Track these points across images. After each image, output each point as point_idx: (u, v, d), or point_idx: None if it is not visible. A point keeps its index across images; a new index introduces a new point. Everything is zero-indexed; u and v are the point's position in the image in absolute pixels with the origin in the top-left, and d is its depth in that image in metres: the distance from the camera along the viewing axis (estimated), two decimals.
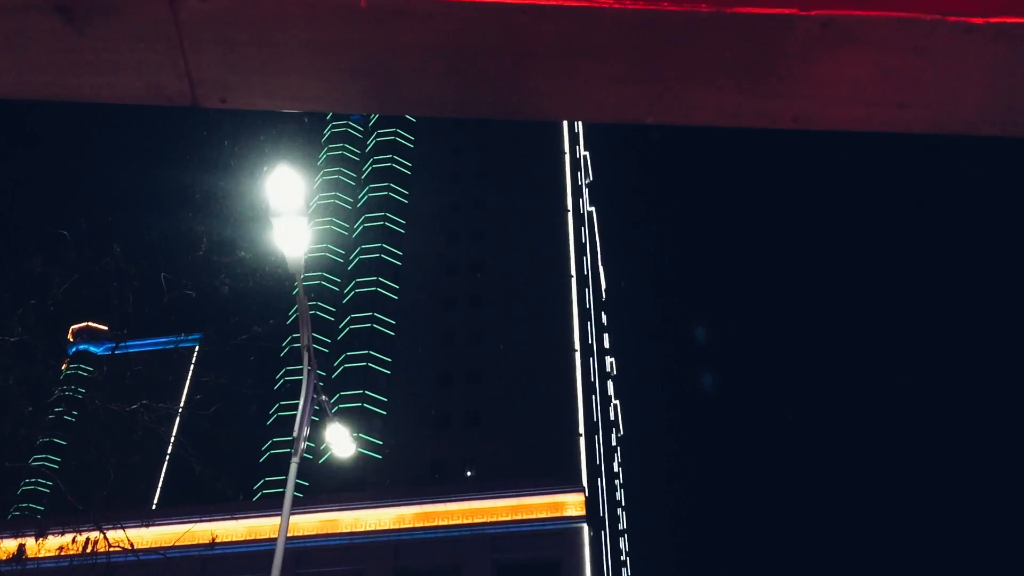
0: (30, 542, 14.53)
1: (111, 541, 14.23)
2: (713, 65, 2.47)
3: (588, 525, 45.84)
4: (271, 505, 48.04)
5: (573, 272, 64.14)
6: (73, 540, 14.40)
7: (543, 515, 45.60)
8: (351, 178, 73.27)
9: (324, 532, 46.59)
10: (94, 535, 14.34)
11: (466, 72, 2.52)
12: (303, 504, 46.73)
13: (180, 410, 15.98)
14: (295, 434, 12.52)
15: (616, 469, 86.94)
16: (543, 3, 2.32)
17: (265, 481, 57.47)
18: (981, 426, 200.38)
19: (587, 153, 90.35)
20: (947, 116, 2.61)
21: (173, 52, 2.42)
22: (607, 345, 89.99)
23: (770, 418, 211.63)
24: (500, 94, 2.59)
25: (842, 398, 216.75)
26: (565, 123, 75.20)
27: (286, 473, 12.72)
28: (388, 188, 69.97)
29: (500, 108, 2.65)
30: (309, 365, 13.07)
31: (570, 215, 68.10)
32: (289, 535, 12.54)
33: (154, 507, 62.89)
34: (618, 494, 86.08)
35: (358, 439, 52.09)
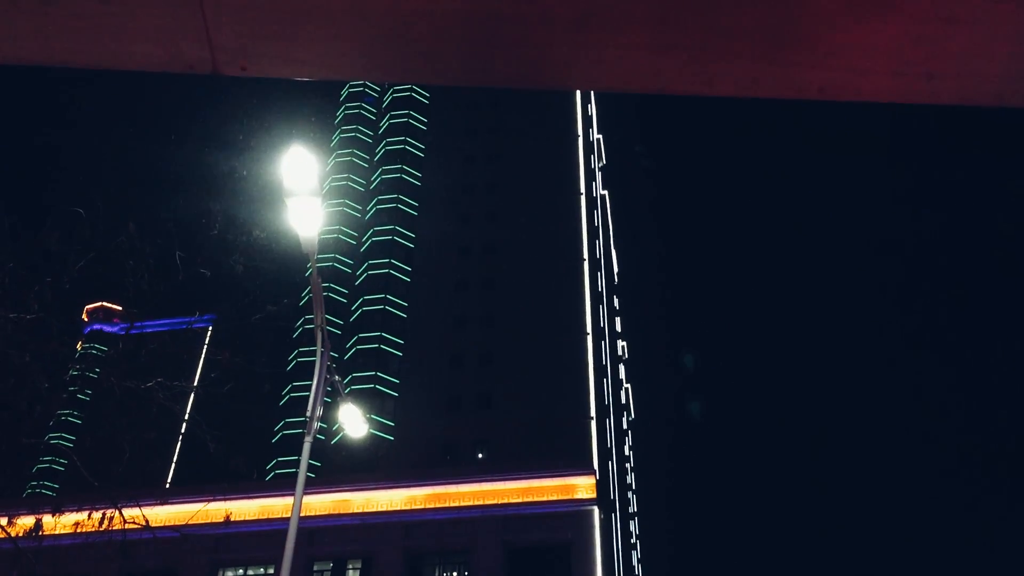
0: (47, 518, 14.66)
1: (127, 518, 14.34)
2: (738, 33, 2.42)
3: (598, 508, 45.90)
4: (284, 485, 48.30)
5: (585, 255, 63.99)
6: (89, 516, 14.52)
7: (554, 497, 45.68)
8: (364, 160, 73.18)
9: (336, 512, 46.83)
10: (110, 512, 14.45)
11: (487, 40, 2.49)
12: (315, 484, 46.98)
13: (195, 388, 16.04)
14: (308, 414, 12.53)
15: (627, 452, 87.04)
16: None
17: (278, 461, 57.83)
18: (986, 448, 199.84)
19: (600, 136, 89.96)
20: (975, 87, 2.56)
21: (194, 18, 2.40)
22: (619, 329, 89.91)
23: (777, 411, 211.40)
24: (521, 63, 2.55)
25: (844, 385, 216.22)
26: (579, 106, 74.78)
27: (299, 453, 12.78)
28: (401, 170, 69.86)
29: (521, 77, 2.62)
30: (322, 346, 13.06)
31: (583, 198, 67.87)
32: (301, 515, 12.60)
33: (168, 484, 63.41)
34: (628, 477, 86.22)
35: (370, 420, 52.41)
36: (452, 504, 46.31)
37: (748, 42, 2.47)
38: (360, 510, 46.89)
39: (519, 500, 45.78)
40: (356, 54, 2.58)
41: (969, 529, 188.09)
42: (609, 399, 68.76)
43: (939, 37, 2.44)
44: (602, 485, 50.26)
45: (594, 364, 58.26)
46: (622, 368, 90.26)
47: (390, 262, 64.15)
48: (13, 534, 14.59)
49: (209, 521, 39.55)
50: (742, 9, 2.38)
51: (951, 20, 2.39)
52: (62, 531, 16.34)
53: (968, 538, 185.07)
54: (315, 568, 46.29)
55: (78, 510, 14.53)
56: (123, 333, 14.85)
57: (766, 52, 2.49)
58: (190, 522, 33.69)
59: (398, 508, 46.65)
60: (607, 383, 67.84)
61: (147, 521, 14.35)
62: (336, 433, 54.22)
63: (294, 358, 62.36)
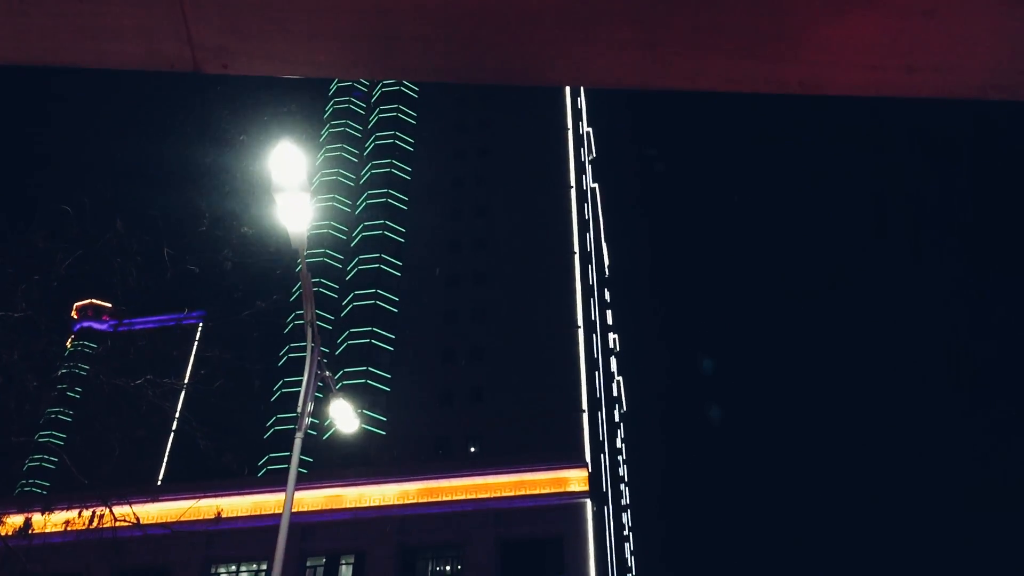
0: (37, 517, 14.62)
1: (117, 516, 14.31)
2: (720, 28, 2.43)
3: (591, 500, 46.02)
4: (276, 481, 48.28)
5: (576, 249, 64.02)
6: (79, 514, 14.48)
7: (546, 491, 45.78)
8: (353, 155, 73.02)
9: (328, 507, 46.86)
10: (100, 510, 14.41)
11: (471, 37, 2.49)
12: (307, 480, 46.98)
13: (185, 385, 16.00)
14: (299, 410, 12.52)
15: (619, 445, 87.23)
16: None
17: (270, 457, 57.76)
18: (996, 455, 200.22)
19: (590, 129, 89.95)
20: (956, 80, 2.58)
21: (174, 16, 2.39)
22: (610, 322, 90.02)
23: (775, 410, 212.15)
24: (505, 60, 2.55)
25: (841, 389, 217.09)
26: (568, 99, 74.73)
27: (290, 449, 12.75)
28: (391, 165, 69.74)
29: (505, 74, 2.62)
30: (313, 341, 13.04)
31: (573, 191, 67.88)
32: (294, 510, 12.61)
33: (159, 482, 63.30)
34: (621, 470, 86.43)
35: (362, 415, 52.36)
36: (444, 498, 46.37)
37: (728, 37, 2.47)
38: (353, 505, 46.91)
39: (512, 493, 45.87)
40: (340, 51, 2.57)
41: (982, 541, 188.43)
42: (601, 392, 68.89)
43: (918, 31, 2.45)
44: (594, 478, 50.37)
45: (585, 357, 58.34)
46: (613, 361, 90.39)
47: (380, 257, 64.09)
48: (3, 533, 14.54)
49: (201, 518, 39.47)
50: (722, 5, 2.39)
51: (930, 13, 2.40)
52: (52, 529, 16.31)
53: (981, 551, 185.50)
54: (308, 564, 46.30)
55: (68, 508, 14.49)
56: (112, 330, 14.82)
57: (746, 47, 2.50)
58: (182, 519, 33.49)
59: (391, 503, 46.69)
60: (599, 376, 67.95)
61: (138, 519, 14.31)
62: (328, 428, 54.17)
63: (285, 354, 62.28)
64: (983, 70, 2.57)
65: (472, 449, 54.60)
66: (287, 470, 12.85)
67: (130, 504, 14.51)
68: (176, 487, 46.95)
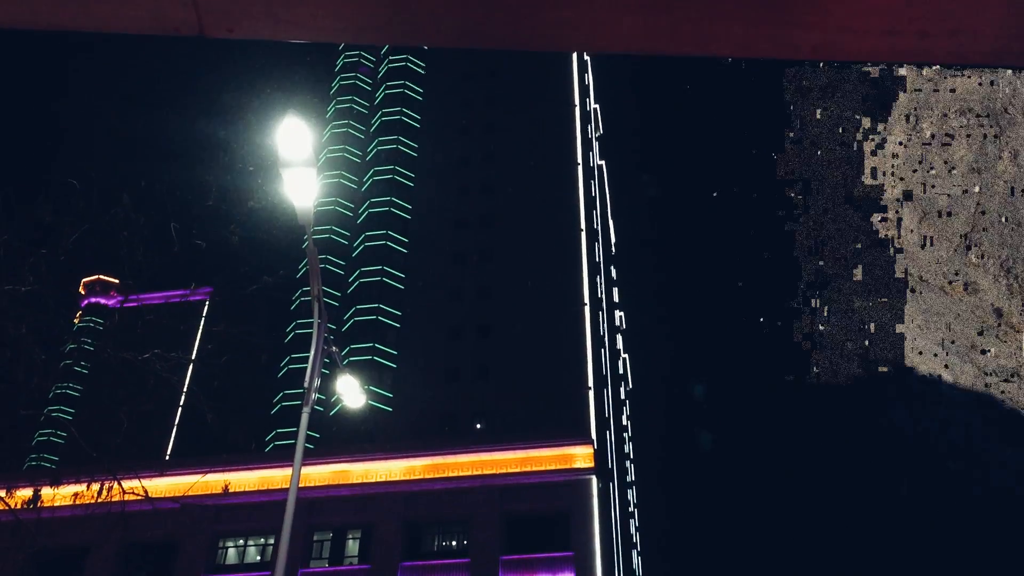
0: (46, 490, 14.72)
1: (126, 489, 14.40)
2: None
3: (597, 477, 46.21)
4: (283, 456, 48.58)
5: (583, 226, 63.92)
6: (88, 488, 14.58)
7: (552, 467, 45.98)
8: (360, 131, 72.86)
9: (335, 483, 47.15)
10: (108, 483, 14.51)
11: (479, 1, 2.46)
12: (314, 455, 47.24)
13: (192, 360, 16.04)
14: (306, 385, 12.54)
15: (624, 422, 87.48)
16: None
17: (277, 432, 58.10)
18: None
19: (597, 106, 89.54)
20: (969, 46, 2.54)
21: None
22: (616, 299, 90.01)
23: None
24: (514, 24, 2.52)
25: None
26: (575, 76, 74.36)
27: (297, 424, 12.78)
28: (397, 141, 69.58)
29: (514, 39, 2.59)
30: (319, 317, 13.05)
31: (580, 168, 67.69)
32: (301, 485, 12.69)
33: (167, 456, 63.77)
34: (626, 446, 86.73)
35: (368, 391, 52.41)
36: (451, 474, 46.60)
37: (742, 3, 2.44)
38: (359, 481, 47.19)
39: (517, 470, 46.08)
40: (347, 15, 2.54)
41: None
42: (607, 369, 68.98)
43: None
44: (600, 454, 50.56)
45: (592, 334, 58.40)
46: (620, 338, 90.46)
47: (387, 234, 64.09)
48: (13, 506, 14.66)
49: (208, 492, 39.78)
50: None
51: None
52: (61, 503, 16.45)
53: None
54: (315, 538, 46.67)
55: (77, 481, 14.59)
56: (120, 306, 14.85)
57: (760, 13, 2.46)
58: (189, 493, 33.81)
59: (397, 479, 46.95)
60: (605, 353, 68.01)
61: (146, 492, 14.41)
62: (334, 404, 54.44)
63: (292, 330, 62.47)
64: (998, 36, 2.53)
65: (478, 425, 54.81)
66: (294, 445, 12.90)
67: (138, 478, 14.61)
68: (184, 461, 47.28)
